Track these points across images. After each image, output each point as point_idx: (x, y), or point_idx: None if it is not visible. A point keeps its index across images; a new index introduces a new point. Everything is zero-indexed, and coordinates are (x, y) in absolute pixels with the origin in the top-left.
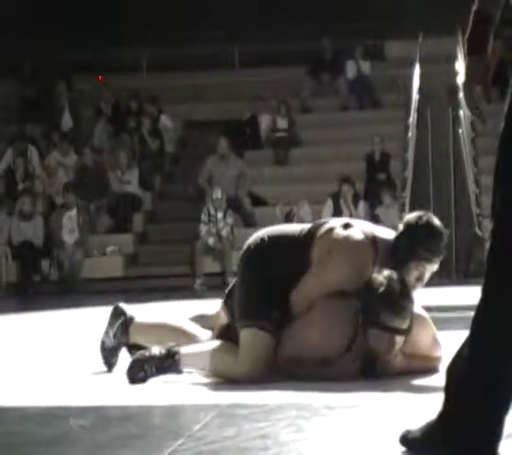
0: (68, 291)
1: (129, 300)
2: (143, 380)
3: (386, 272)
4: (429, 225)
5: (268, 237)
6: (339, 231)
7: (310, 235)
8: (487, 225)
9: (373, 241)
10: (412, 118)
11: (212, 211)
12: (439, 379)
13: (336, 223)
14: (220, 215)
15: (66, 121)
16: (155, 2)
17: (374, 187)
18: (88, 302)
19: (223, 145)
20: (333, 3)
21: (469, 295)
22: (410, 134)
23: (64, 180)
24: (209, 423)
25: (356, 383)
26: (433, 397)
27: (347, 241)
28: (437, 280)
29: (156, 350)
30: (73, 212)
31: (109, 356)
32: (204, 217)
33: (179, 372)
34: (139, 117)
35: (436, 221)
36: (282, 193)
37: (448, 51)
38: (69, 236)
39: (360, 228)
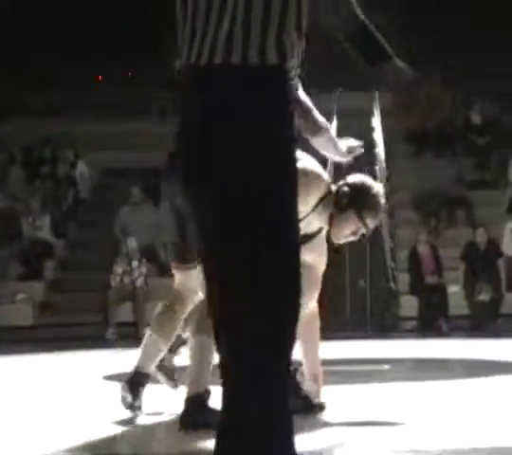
0: None
1: (38, 350)
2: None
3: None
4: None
5: None
6: None
7: None
8: (403, 278)
9: None
10: (328, 171)
11: (126, 260)
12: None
13: None
14: (134, 264)
15: None
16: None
17: None
18: None
19: (135, 194)
20: None
21: (384, 348)
22: None
23: None
24: None
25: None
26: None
27: None
28: (352, 333)
29: None
30: None
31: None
32: (117, 266)
33: None
34: (54, 163)
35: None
36: None
37: (363, 106)
38: None
39: None
